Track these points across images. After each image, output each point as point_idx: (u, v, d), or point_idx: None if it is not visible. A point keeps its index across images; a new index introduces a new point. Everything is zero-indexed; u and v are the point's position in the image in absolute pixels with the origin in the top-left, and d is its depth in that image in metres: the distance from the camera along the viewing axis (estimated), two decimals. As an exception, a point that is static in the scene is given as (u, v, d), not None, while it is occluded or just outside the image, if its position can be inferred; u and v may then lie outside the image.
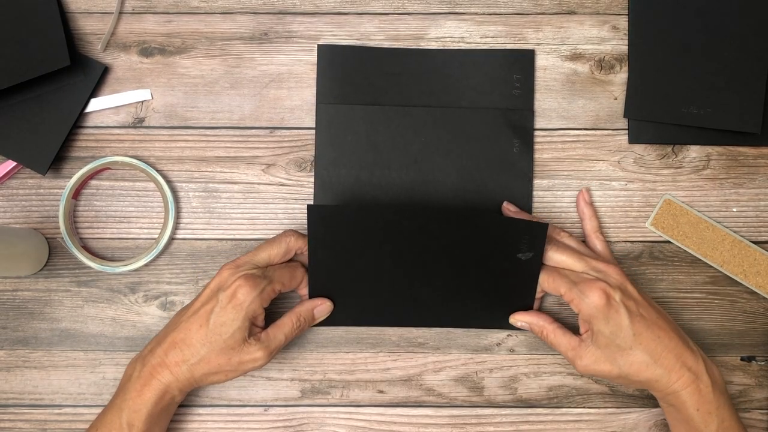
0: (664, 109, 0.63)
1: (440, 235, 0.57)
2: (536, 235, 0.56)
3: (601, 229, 0.63)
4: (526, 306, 0.60)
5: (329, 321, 0.61)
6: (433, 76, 0.64)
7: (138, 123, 0.64)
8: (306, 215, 0.55)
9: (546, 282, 0.58)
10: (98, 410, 0.61)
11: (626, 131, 0.64)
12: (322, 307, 0.60)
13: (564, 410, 0.62)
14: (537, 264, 0.57)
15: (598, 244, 0.62)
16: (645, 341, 0.55)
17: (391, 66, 0.64)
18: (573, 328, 0.59)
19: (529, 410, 0.62)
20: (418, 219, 0.56)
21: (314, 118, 0.64)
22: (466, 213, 0.57)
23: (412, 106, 0.63)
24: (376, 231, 0.57)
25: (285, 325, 0.58)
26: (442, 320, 0.62)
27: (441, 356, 0.63)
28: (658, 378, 0.55)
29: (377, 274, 0.59)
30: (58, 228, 0.62)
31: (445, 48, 0.64)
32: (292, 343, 0.63)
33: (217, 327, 0.55)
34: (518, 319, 0.60)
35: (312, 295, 0.60)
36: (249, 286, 0.55)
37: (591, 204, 0.63)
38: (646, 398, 0.63)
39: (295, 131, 0.64)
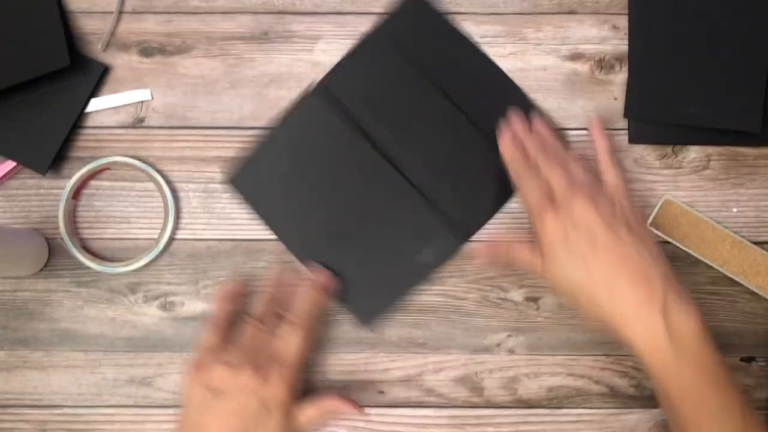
0: (664, 109, 0.63)
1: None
2: None
3: (613, 152, 0.58)
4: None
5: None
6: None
7: (138, 123, 0.64)
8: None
9: (520, 189, 0.57)
10: (99, 410, 0.61)
11: (626, 131, 0.64)
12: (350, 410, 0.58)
13: (564, 411, 0.62)
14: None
15: (608, 173, 0.56)
16: (599, 272, 0.51)
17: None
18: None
19: (529, 411, 0.62)
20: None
21: (314, 118, 0.64)
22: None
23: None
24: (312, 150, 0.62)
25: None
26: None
27: (441, 356, 0.63)
28: (604, 317, 0.50)
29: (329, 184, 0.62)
30: (58, 228, 0.62)
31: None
32: (292, 343, 0.63)
33: None
34: (478, 255, 0.60)
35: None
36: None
37: (603, 129, 0.59)
38: (646, 398, 0.63)
39: (295, 131, 0.64)
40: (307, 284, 0.60)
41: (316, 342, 0.61)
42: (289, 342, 0.56)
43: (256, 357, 0.55)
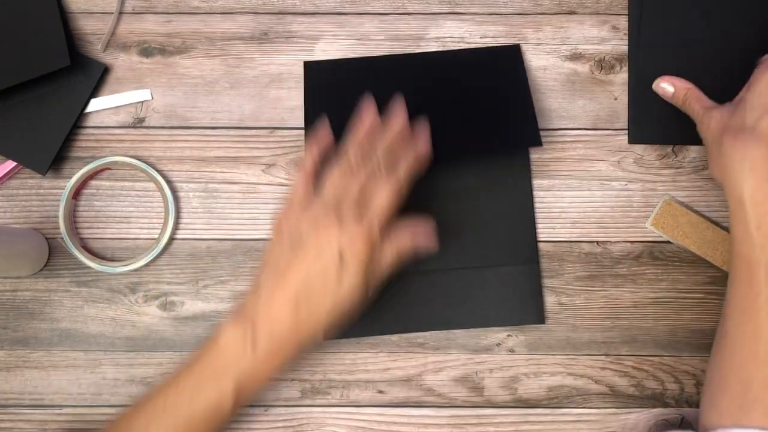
0: (664, 109, 0.63)
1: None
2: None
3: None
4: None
5: None
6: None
7: (138, 123, 0.64)
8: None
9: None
10: (99, 410, 0.61)
11: (626, 131, 0.64)
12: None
13: (564, 410, 0.62)
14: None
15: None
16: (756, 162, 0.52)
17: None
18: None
19: (529, 410, 0.62)
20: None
21: (314, 118, 0.64)
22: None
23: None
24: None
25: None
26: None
27: (441, 356, 0.63)
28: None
29: None
30: (58, 228, 0.62)
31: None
32: (292, 343, 0.63)
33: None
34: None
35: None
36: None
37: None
38: (646, 398, 0.63)
39: (296, 131, 0.64)
40: (414, 145, 0.56)
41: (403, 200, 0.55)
42: (380, 190, 0.53)
43: (339, 204, 0.52)
